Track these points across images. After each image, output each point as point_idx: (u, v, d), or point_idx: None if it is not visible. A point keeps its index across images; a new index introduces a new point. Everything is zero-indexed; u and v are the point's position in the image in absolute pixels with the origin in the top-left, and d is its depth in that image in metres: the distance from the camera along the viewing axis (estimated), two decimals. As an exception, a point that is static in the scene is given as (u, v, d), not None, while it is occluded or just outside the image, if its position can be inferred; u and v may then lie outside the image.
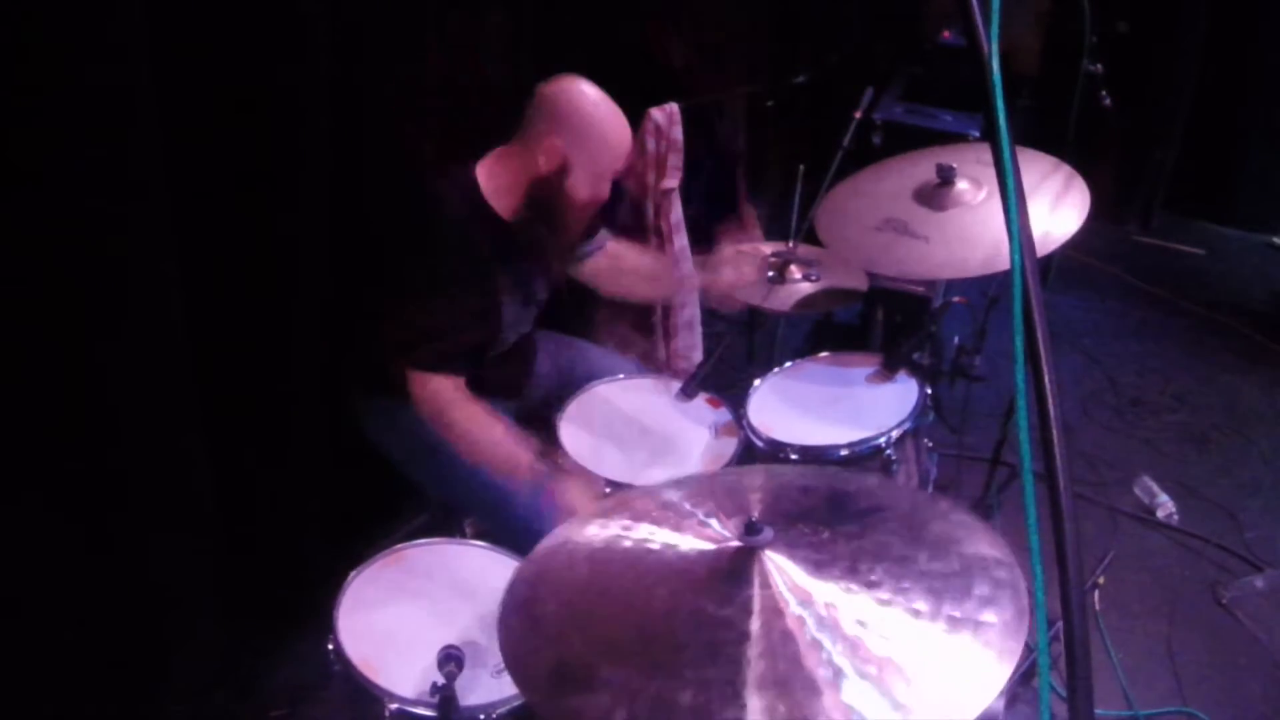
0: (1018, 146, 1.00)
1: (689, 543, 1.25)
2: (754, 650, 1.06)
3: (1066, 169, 2.18)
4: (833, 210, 2.29)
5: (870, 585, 1.13)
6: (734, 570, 1.15)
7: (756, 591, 1.12)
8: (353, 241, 2.13)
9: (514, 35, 2.49)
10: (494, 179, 2.00)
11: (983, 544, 1.20)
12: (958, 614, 1.09)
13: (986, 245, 2.05)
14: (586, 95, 1.95)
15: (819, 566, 1.16)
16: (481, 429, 1.92)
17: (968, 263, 2.05)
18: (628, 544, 1.28)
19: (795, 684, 1.02)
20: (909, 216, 2.17)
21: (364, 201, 2.14)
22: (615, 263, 2.32)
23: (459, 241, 1.95)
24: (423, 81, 2.27)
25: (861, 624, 1.08)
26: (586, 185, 1.98)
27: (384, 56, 2.17)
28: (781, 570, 1.14)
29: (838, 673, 1.03)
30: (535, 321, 2.24)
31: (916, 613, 1.09)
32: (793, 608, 1.10)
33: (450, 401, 1.91)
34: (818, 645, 1.05)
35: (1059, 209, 2.07)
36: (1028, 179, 0.95)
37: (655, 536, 1.28)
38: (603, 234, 2.29)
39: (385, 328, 1.98)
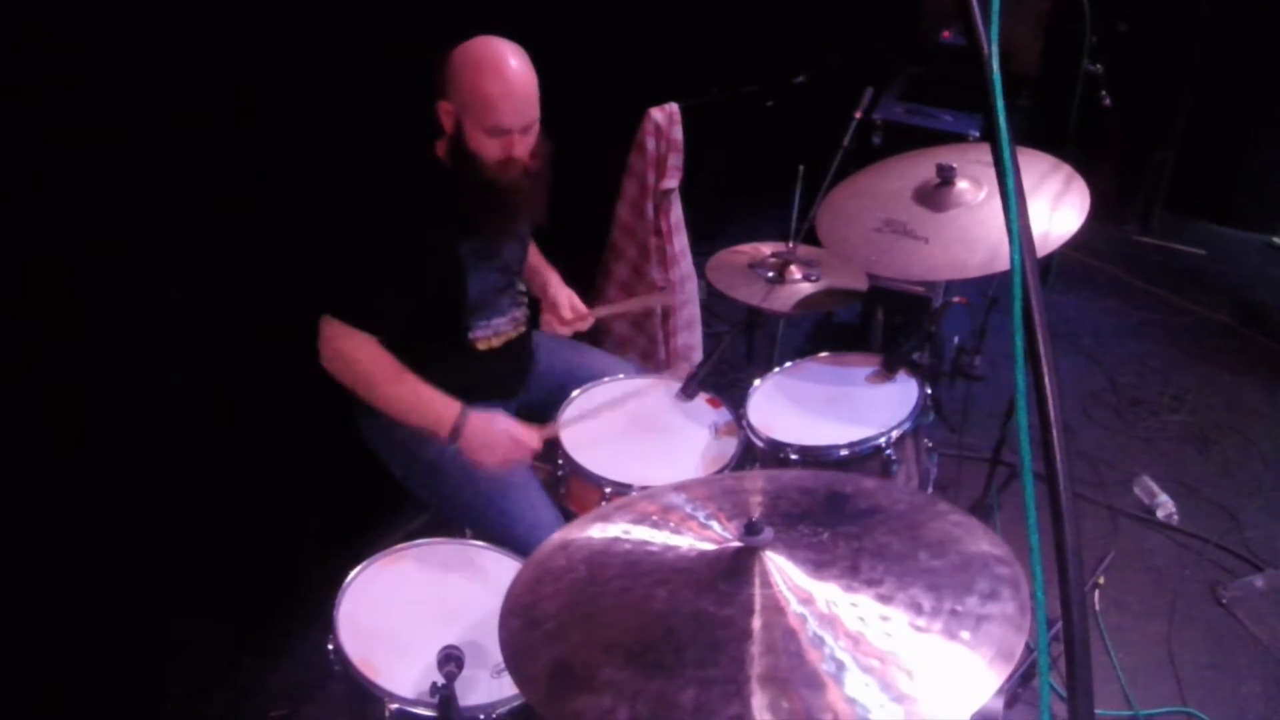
0: (1018, 146, 1.00)
1: (689, 544, 1.25)
2: (756, 648, 1.06)
3: (1066, 169, 2.17)
4: (833, 211, 2.29)
5: (871, 583, 1.13)
6: (735, 570, 1.15)
7: (757, 591, 1.12)
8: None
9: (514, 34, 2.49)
10: (441, 146, 2.01)
11: (983, 542, 1.20)
12: (959, 609, 1.09)
13: (986, 245, 2.05)
14: (475, 52, 1.91)
15: (819, 566, 1.16)
16: (392, 380, 1.94)
17: (968, 263, 2.05)
18: (628, 545, 1.28)
19: (798, 680, 1.02)
20: (909, 217, 2.17)
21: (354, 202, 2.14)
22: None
23: (411, 205, 1.96)
24: (422, 82, 2.27)
25: (863, 620, 1.08)
26: (487, 142, 1.93)
27: (384, 55, 2.17)
28: (782, 570, 1.14)
29: (840, 667, 1.03)
30: (524, 308, 2.23)
31: (918, 609, 1.10)
32: (794, 606, 1.10)
33: (362, 353, 1.93)
34: (820, 641, 1.06)
35: (1059, 209, 2.07)
36: (1028, 179, 0.96)
37: (655, 538, 1.28)
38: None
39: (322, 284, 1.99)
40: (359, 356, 1.94)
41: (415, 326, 1.98)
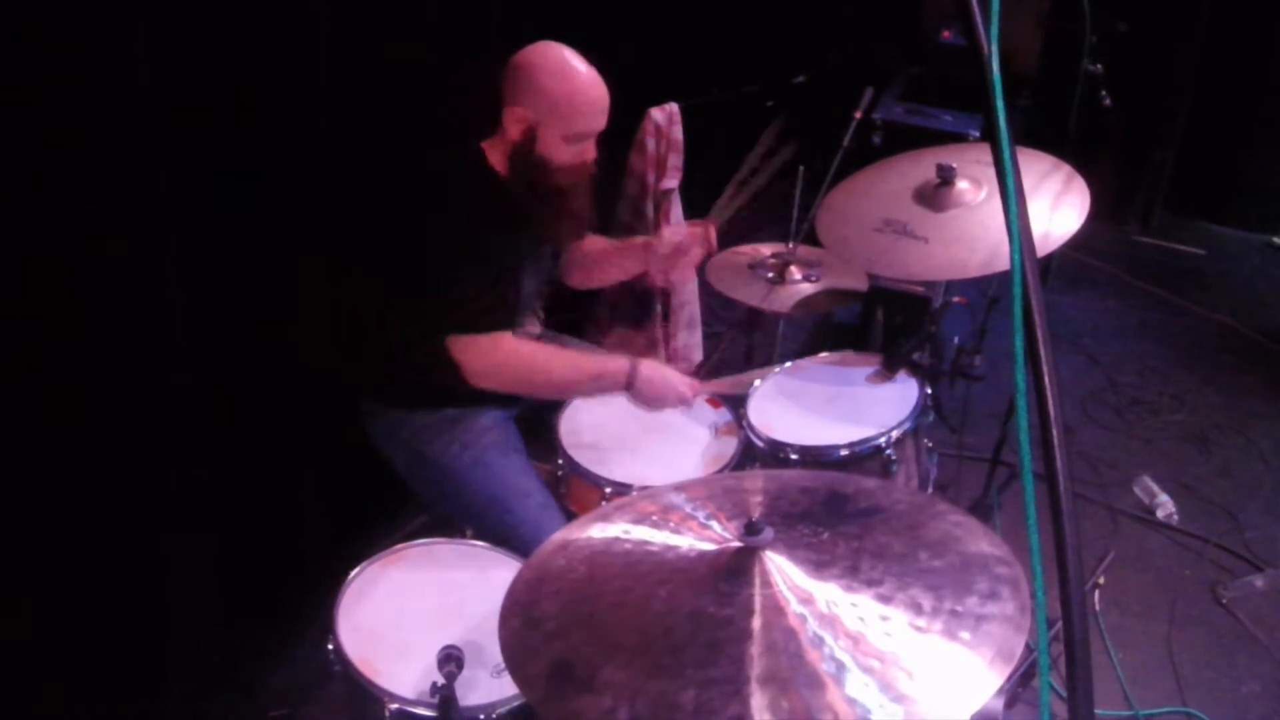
0: (1018, 146, 1.00)
1: (689, 544, 1.25)
2: (756, 648, 1.06)
3: (1066, 169, 2.17)
4: (833, 211, 2.29)
5: (871, 583, 1.13)
6: (734, 570, 1.15)
7: (757, 591, 1.12)
8: (355, 241, 2.13)
9: (514, 36, 2.49)
10: (493, 151, 2.01)
11: (983, 542, 1.20)
12: (959, 609, 1.09)
13: (986, 246, 2.05)
14: (550, 58, 1.93)
15: (819, 566, 1.16)
16: (547, 362, 2.00)
17: (967, 263, 2.05)
18: (628, 545, 1.28)
19: (798, 680, 1.02)
20: (909, 217, 2.17)
21: (367, 198, 2.14)
22: (583, 255, 2.32)
23: (469, 212, 1.94)
24: (422, 82, 2.27)
25: (863, 620, 1.08)
26: (563, 148, 1.95)
27: (384, 55, 2.17)
28: (782, 570, 1.14)
29: (840, 667, 1.03)
30: (540, 319, 2.24)
31: (918, 609, 1.10)
32: (794, 606, 1.10)
33: (501, 354, 1.94)
34: (820, 641, 1.06)
35: (1059, 209, 2.07)
36: (1028, 179, 0.96)
37: (655, 538, 1.28)
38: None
39: (404, 320, 1.98)
40: (501, 360, 1.94)
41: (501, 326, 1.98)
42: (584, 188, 2.04)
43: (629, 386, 2.01)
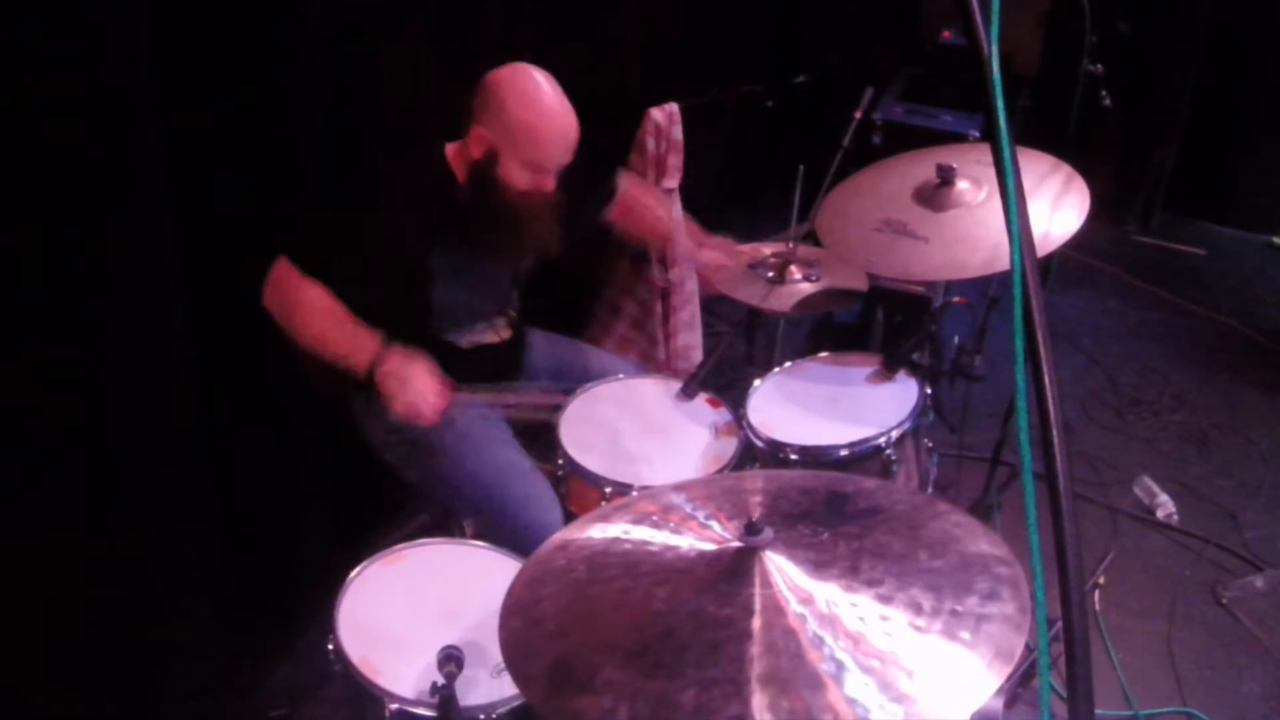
0: (1018, 146, 1.00)
1: (689, 544, 1.25)
2: (756, 648, 1.06)
3: (1066, 169, 2.17)
4: (833, 211, 2.29)
5: (871, 583, 1.13)
6: (735, 570, 1.15)
7: (757, 591, 1.12)
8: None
9: (514, 36, 2.49)
10: (455, 160, 2.01)
11: (983, 543, 1.20)
12: (959, 609, 1.09)
13: (986, 246, 2.05)
14: (520, 84, 1.91)
15: (819, 566, 1.16)
16: (320, 314, 1.88)
17: (967, 263, 2.05)
18: (628, 545, 1.28)
19: (798, 680, 1.02)
20: (909, 217, 2.17)
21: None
22: (634, 203, 2.37)
23: (401, 208, 1.94)
24: (422, 82, 2.27)
25: (863, 620, 1.08)
26: (522, 175, 1.94)
27: (384, 56, 2.17)
28: (782, 570, 1.14)
29: (840, 667, 1.03)
30: (506, 316, 2.23)
31: (918, 609, 1.10)
32: (794, 606, 1.10)
33: (306, 294, 1.88)
34: (820, 641, 1.06)
35: (1059, 209, 2.07)
36: (1028, 179, 0.96)
37: (655, 538, 1.28)
38: (621, 177, 2.35)
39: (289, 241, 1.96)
40: (301, 298, 1.88)
41: (382, 318, 1.93)
42: (541, 215, 1.99)
43: (368, 377, 1.86)
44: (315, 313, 1.89)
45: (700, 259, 2.39)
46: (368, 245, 1.93)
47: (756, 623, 1.08)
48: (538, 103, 1.91)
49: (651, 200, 2.48)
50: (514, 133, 1.90)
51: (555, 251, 2.10)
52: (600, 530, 1.33)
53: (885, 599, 1.11)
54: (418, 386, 1.84)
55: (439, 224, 1.97)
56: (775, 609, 1.10)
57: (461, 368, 2.06)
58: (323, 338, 1.88)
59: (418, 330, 2.03)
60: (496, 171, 1.93)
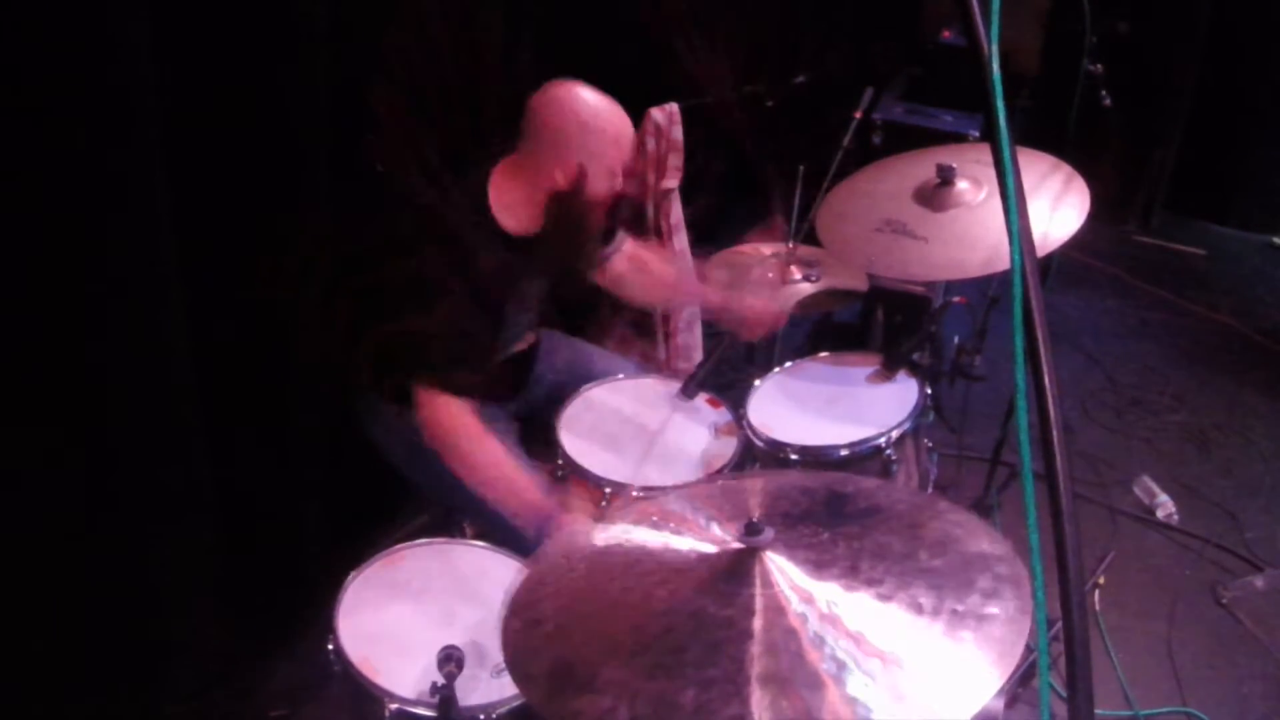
0: (1018, 147, 1.00)
1: (689, 545, 1.25)
2: (756, 648, 1.06)
3: (1066, 169, 2.18)
4: (833, 211, 2.29)
5: (871, 583, 1.13)
6: (735, 571, 1.15)
7: (758, 591, 1.12)
8: (353, 244, 2.13)
9: (514, 37, 2.49)
10: (504, 194, 1.98)
11: (983, 542, 1.20)
12: (960, 608, 1.09)
13: (986, 245, 2.05)
14: (582, 100, 1.94)
15: (820, 566, 1.16)
16: (490, 460, 1.87)
17: (967, 264, 2.05)
18: (628, 547, 1.28)
19: (799, 680, 1.02)
20: (909, 217, 2.17)
21: (364, 204, 2.14)
22: (636, 265, 2.31)
23: (459, 259, 1.92)
24: (422, 83, 2.27)
25: (864, 620, 1.08)
26: (602, 184, 1.97)
27: (384, 58, 2.17)
28: (782, 570, 1.14)
29: (841, 667, 1.03)
30: (533, 324, 2.24)
31: (919, 608, 1.10)
32: (795, 606, 1.10)
33: (458, 426, 1.88)
34: (820, 641, 1.06)
35: (1059, 209, 2.07)
36: (1028, 179, 0.96)
37: (655, 539, 1.28)
38: (620, 235, 2.29)
39: (376, 341, 1.96)
40: (450, 428, 1.88)
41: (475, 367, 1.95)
42: (601, 220, 2.08)
43: (537, 537, 1.79)
44: (471, 460, 1.88)
45: (739, 310, 2.27)
46: (451, 311, 1.90)
47: (757, 623, 1.08)
48: (604, 110, 1.94)
49: (658, 260, 2.38)
50: (597, 146, 1.92)
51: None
52: (601, 532, 1.33)
53: (885, 598, 1.11)
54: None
55: (497, 255, 1.95)
56: (776, 609, 1.10)
57: (493, 379, 2.08)
58: (488, 490, 1.87)
59: (489, 359, 2.05)
60: (587, 192, 1.94)
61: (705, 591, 1.14)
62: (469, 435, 1.89)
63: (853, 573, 1.15)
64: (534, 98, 1.96)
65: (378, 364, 1.98)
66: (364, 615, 1.64)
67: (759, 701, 1.00)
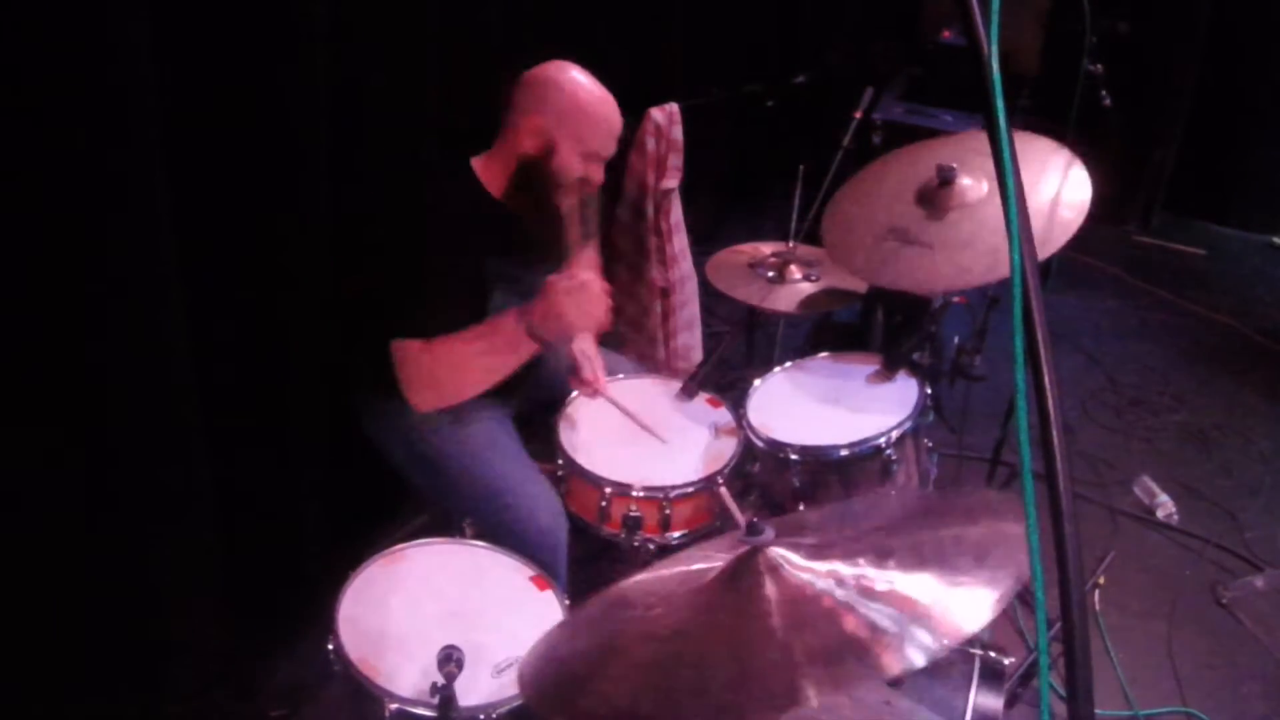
0: (1019, 133, 1.00)
1: (698, 568, 1.27)
2: (788, 634, 1.06)
3: (1067, 155, 2.15)
4: (838, 222, 2.27)
5: (880, 556, 1.15)
6: (742, 572, 1.16)
7: (770, 586, 1.13)
8: (352, 240, 2.13)
9: (514, 37, 2.49)
10: (487, 169, 2.02)
11: (970, 499, 1.22)
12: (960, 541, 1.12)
13: (989, 248, 2.04)
14: (570, 75, 1.95)
15: (826, 555, 1.17)
16: (465, 352, 1.89)
17: (972, 270, 2.04)
18: (641, 588, 1.31)
19: (843, 651, 1.03)
20: (911, 223, 2.16)
21: (363, 200, 2.14)
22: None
23: (456, 240, 1.94)
24: (422, 82, 2.27)
25: (889, 581, 1.10)
26: (576, 165, 1.96)
27: (383, 57, 2.17)
28: (790, 561, 1.16)
29: (874, 624, 1.04)
30: None
31: (926, 561, 1.12)
32: (817, 584, 1.12)
33: (426, 360, 1.89)
34: (850, 607, 1.07)
35: (1059, 209, 2.06)
36: (1029, 166, 0.95)
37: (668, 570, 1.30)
38: (591, 245, 2.27)
39: (368, 299, 1.97)
40: (437, 369, 1.90)
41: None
42: (588, 211, 2.05)
43: (529, 330, 1.88)
44: (459, 367, 1.90)
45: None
46: (445, 287, 1.92)
47: (778, 614, 1.09)
48: (590, 89, 1.95)
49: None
50: (573, 117, 1.92)
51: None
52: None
53: (903, 566, 1.13)
54: (574, 308, 1.88)
55: (489, 240, 1.97)
56: (796, 595, 1.11)
57: None
58: (489, 372, 1.92)
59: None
60: (554, 162, 1.94)
61: (718, 603, 1.15)
62: (441, 361, 1.88)
63: (859, 554, 1.16)
64: (528, 70, 1.97)
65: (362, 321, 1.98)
66: (364, 615, 1.64)
67: (809, 681, 0.99)
